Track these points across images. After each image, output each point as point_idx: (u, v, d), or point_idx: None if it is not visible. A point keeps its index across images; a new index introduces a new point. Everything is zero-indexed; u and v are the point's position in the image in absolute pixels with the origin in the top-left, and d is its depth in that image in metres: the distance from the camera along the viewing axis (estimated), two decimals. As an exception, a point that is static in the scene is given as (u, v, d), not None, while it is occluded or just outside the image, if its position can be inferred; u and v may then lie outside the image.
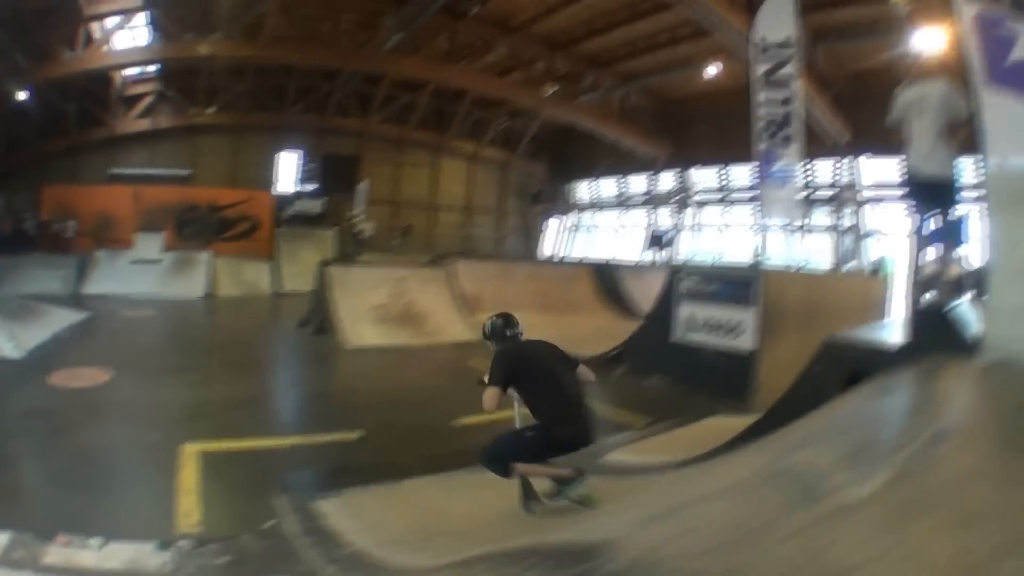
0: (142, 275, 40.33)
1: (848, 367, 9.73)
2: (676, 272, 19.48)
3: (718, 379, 17.10)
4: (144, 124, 44.89)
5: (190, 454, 12.54)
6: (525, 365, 9.49)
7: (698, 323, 18.74)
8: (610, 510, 8.18)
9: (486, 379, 8.96)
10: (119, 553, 8.80)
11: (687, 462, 9.78)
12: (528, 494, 9.15)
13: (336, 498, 9.66)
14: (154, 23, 37.15)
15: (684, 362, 18.28)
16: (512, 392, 9.24)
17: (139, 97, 44.55)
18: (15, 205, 43.43)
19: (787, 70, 22.38)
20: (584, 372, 9.86)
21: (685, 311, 18.92)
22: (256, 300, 38.83)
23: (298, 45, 39.19)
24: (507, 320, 10.37)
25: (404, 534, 8.50)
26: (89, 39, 36.04)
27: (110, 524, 9.64)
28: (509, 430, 9.43)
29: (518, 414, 9.47)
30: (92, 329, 27.83)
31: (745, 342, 17.73)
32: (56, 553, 8.71)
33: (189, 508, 10.28)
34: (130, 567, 8.53)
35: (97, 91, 42.12)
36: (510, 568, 5.89)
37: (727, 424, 12.46)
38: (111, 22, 36.45)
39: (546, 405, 9.06)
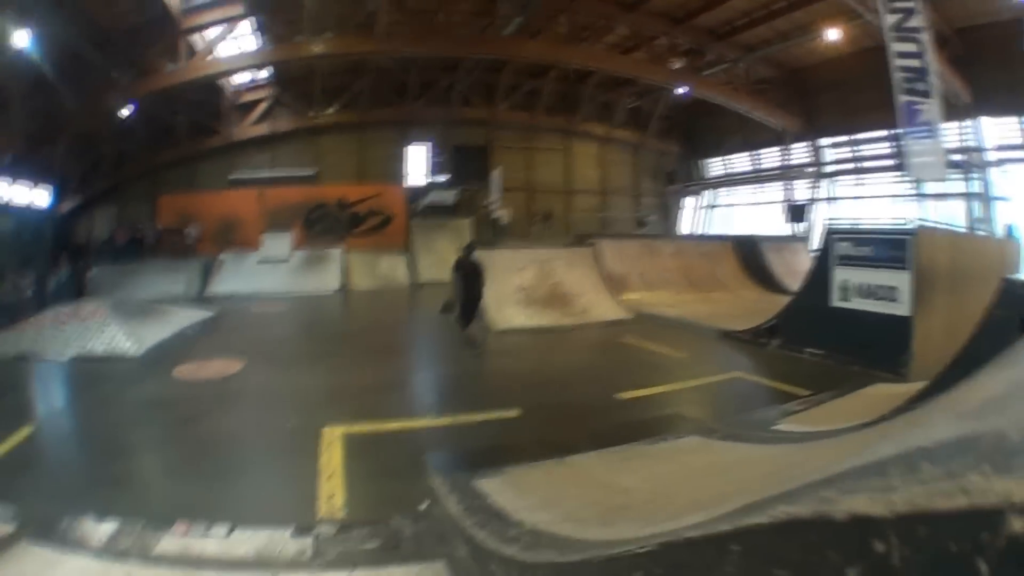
0: (271, 274, 40.71)
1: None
2: (831, 235, 18.06)
3: (873, 348, 16.14)
4: (262, 129, 45.36)
5: (333, 437, 11.73)
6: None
7: (852, 289, 17.51)
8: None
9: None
10: (248, 540, 7.83)
11: (871, 423, 8.18)
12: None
13: (498, 476, 8.23)
14: (261, 28, 37.02)
15: (838, 332, 17.28)
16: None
17: (254, 104, 45.14)
18: (128, 216, 44.84)
19: (914, 22, 21.68)
20: None
21: (839, 277, 17.69)
22: (393, 291, 38.65)
23: (414, 38, 38.48)
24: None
25: (581, 510, 6.96)
26: (192, 51, 36.05)
27: (241, 511, 8.79)
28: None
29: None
30: (219, 325, 27.78)
31: (901, 308, 16.45)
32: (172, 542, 7.84)
33: (332, 491, 9.39)
34: (261, 555, 7.53)
35: (207, 102, 42.82)
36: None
37: (890, 391, 11.84)
38: (213, 32, 36.36)
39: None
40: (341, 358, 19.74)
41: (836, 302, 17.56)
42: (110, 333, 22.55)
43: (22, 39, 25.35)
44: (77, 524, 8.26)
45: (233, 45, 37.07)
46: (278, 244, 42.38)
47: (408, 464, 10.01)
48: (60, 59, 31.96)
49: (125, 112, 36.75)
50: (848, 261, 17.48)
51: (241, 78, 42.32)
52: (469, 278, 19.57)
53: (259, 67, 40.92)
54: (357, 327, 26.70)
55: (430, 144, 46.23)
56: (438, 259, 41.01)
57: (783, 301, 22.23)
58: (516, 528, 6.52)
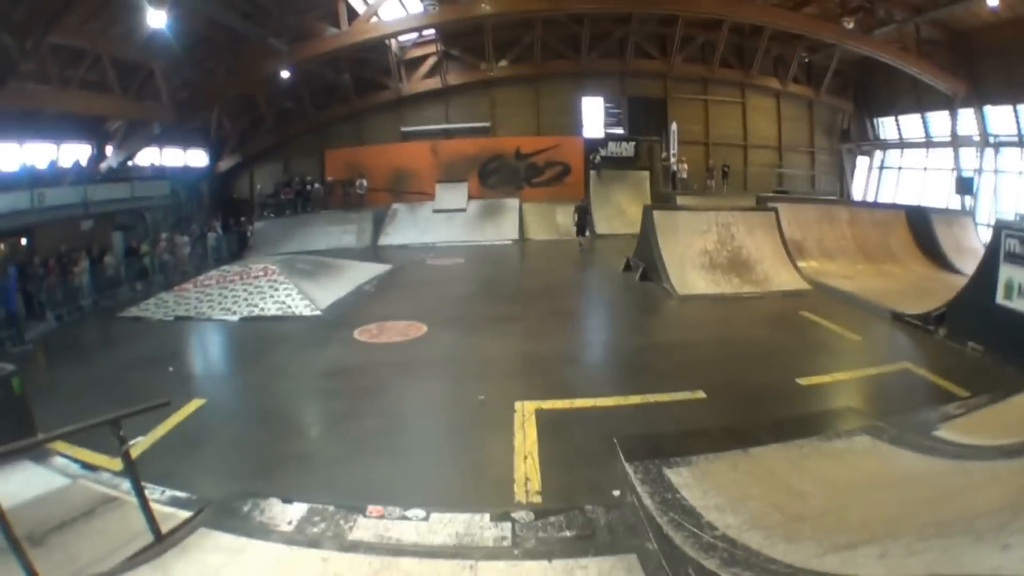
0: (446, 224, 41.11)
1: None
2: (1000, 229, 17.42)
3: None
4: (432, 83, 45.49)
5: (526, 414, 11.88)
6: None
7: (1017, 289, 16.26)
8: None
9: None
10: (448, 525, 8.06)
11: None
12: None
13: (685, 466, 8.59)
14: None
15: (999, 330, 16.12)
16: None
17: (422, 59, 45.21)
18: (293, 171, 45.93)
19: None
20: None
21: (1005, 274, 16.93)
22: (570, 244, 37.17)
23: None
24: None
25: (765, 516, 7.34)
26: (352, 13, 36.19)
27: (437, 494, 9.08)
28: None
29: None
30: (397, 280, 28.01)
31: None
32: (367, 527, 8.12)
33: (528, 474, 9.58)
34: (461, 543, 7.74)
35: (373, 60, 43.14)
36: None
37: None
38: (375, -5, 36.38)
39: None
40: (525, 321, 19.78)
41: (1000, 300, 16.53)
42: (283, 292, 23.00)
43: (164, 18, 25.95)
44: (262, 507, 8.65)
45: (396, 5, 37.27)
46: (454, 194, 42.76)
47: (599, 446, 10.14)
48: (209, 32, 33.47)
49: (285, 75, 37.62)
50: (1017, 260, 16.92)
51: (407, 35, 42.30)
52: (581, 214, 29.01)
53: (424, 29, 41.17)
54: (537, 285, 26.66)
55: (605, 96, 45.81)
56: (616, 211, 41.25)
57: (950, 279, 22.08)
58: (710, 532, 6.92)
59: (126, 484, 8.59)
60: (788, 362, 14.88)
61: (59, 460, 10.21)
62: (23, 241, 29.16)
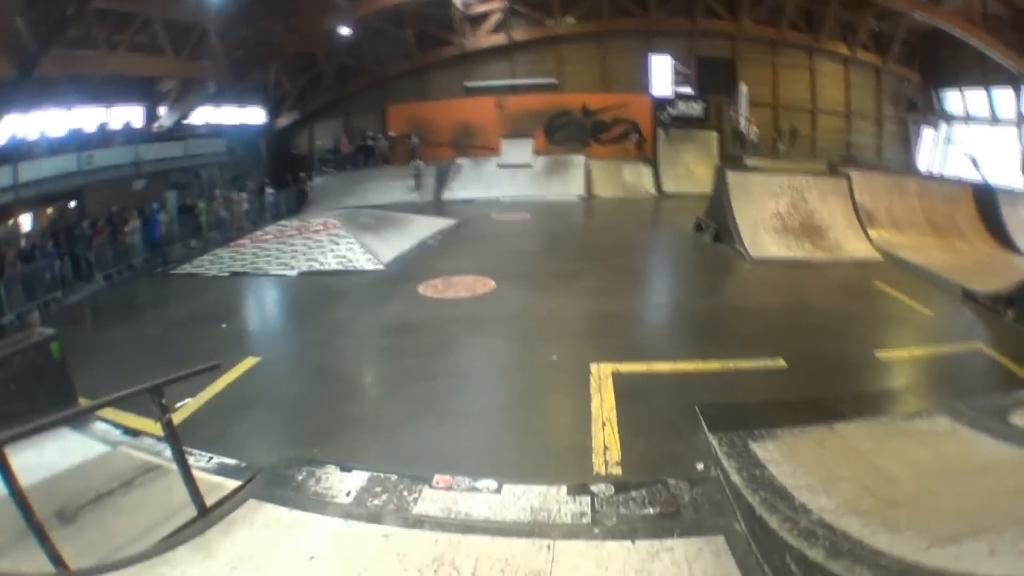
0: (511, 179, 40.75)
1: None
2: None
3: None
4: (498, 39, 44.81)
5: (602, 376, 11.50)
6: None
7: None
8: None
9: None
10: (521, 499, 7.63)
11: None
12: None
13: (771, 440, 8.16)
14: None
15: None
16: None
17: (486, 15, 44.48)
18: (354, 127, 45.82)
19: None
20: None
21: None
22: (637, 202, 37.71)
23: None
24: None
25: (859, 500, 6.88)
26: None
27: (509, 462, 8.74)
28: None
29: None
30: (462, 235, 27.67)
31: None
32: (433, 499, 7.70)
33: (607, 442, 9.21)
34: (536, 519, 7.28)
35: (436, 15, 42.66)
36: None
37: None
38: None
39: None
40: (596, 280, 19.40)
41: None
42: (344, 246, 22.77)
43: None
44: (317, 476, 8.27)
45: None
46: (519, 150, 42.35)
47: (681, 414, 9.79)
48: None
49: (345, 31, 37.68)
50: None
51: (471, -9, 41.85)
52: None
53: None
54: (606, 242, 26.20)
55: (673, 55, 44.51)
56: (684, 171, 40.96)
57: (1015, 260, 22.03)
58: (805, 516, 6.48)
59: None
60: (865, 334, 14.55)
61: (100, 426, 10.02)
62: (72, 204, 29.10)
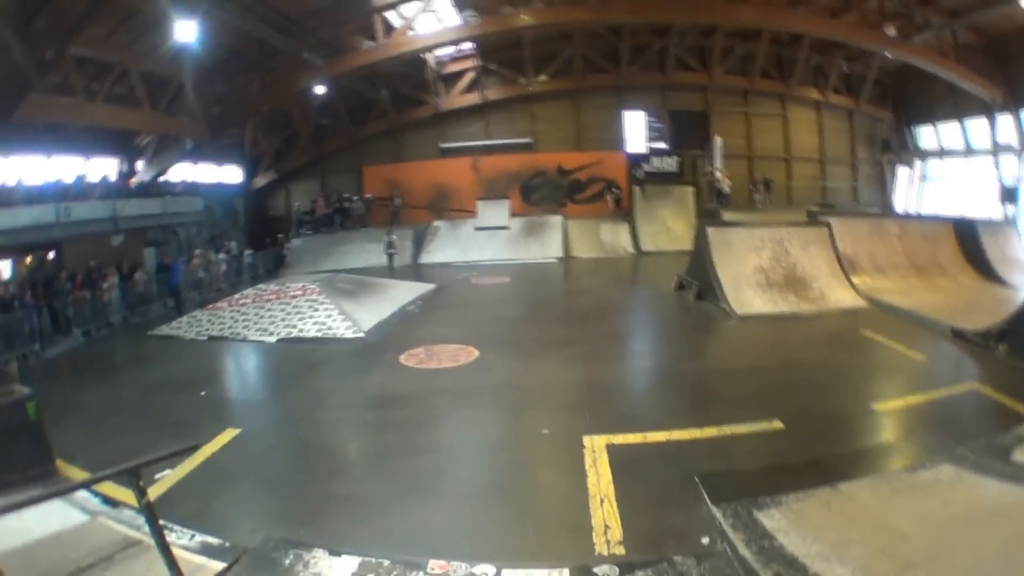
0: (488, 242, 41.05)
1: None
2: None
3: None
4: (471, 98, 45.83)
5: (596, 450, 11.24)
6: None
7: None
8: None
9: None
10: (523, 584, 7.24)
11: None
12: None
13: (776, 508, 8.07)
14: (459, 1, 36.41)
15: None
16: None
17: (460, 74, 45.64)
18: (330, 188, 46.71)
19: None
20: None
21: None
22: (616, 261, 38.27)
23: (628, 4, 37.92)
24: None
25: (874, 563, 6.85)
26: (388, 26, 36.27)
27: (507, 545, 8.37)
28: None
29: None
30: (442, 300, 27.59)
31: None
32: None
33: (607, 520, 8.88)
34: None
35: (410, 74, 43.64)
36: None
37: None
38: (411, 8, 36.00)
39: None
40: (581, 345, 19.10)
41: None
42: (324, 312, 22.69)
43: (193, 31, 25.92)
44: (305, 560, 7.94)
45: (433, 19, 36.88)
46: (496, 211, 42.72)
47: (680, 486, 9.63)
48: (241, 46, 34.02)
49: (321, 90, 38.12)
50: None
51: (444, 49, 42.53)
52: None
53: (463, 41, 41.03)
54: (588, 305, 25.92)
55: (646, 110, 45.81)
56: (662, 227, 41.52)
57: (999, 292, 22.53)
58: None
59: (151, 526, 8.01)
60: (859, 386, 14.45)
61: (79, 493, 9.54)
62: (50, 255, 29.29)
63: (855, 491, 8.60)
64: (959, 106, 42.62)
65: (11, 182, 27.46)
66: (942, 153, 46.31)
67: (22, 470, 9.48)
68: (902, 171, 49.54)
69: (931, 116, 46.40)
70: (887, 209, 45.93)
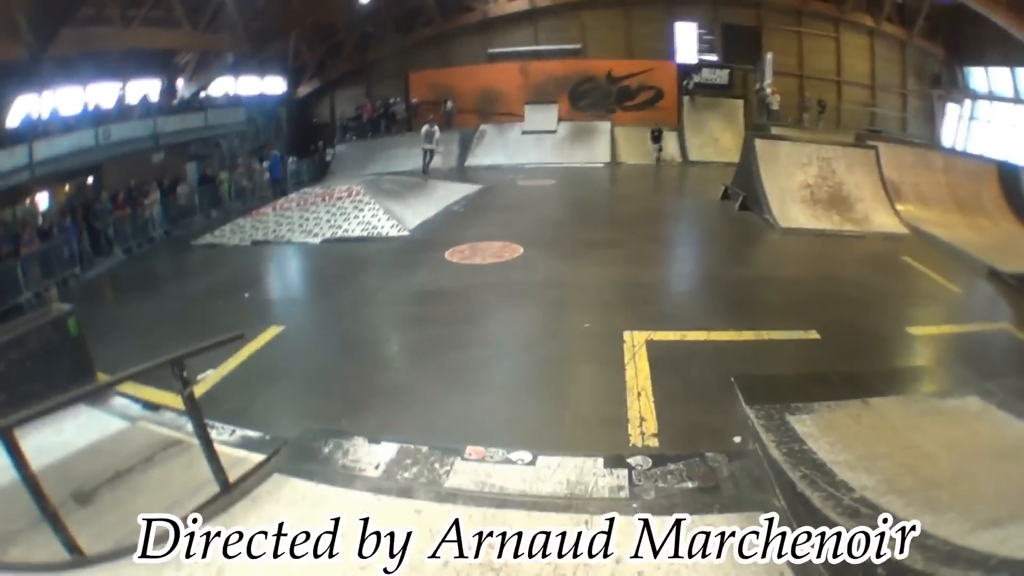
0: (535, 146, 40.65)
1: None
2: None
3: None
4: (521, 4, 44.91)
5: (636, 345, 11.41)
6: None
7: None
8: None
9: None
10: (557, 471, 7.46)
11: None
12: None
13: (808, 415, 8.19)
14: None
15: None
16: None
17: None
18: (376, 94, 46.03)
19: None
20: None
21: None
22: (664, 168, 37.72)
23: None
24: None
25: (898, 478, 6.94)
26: None
27: (543, 433, 8.59)
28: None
29: None
30: (487, 201, 27.59)
31: None
32: (466, 472, 7.52)
33: (643, 413, 9.10)
34: (573, 491, 7.14)
35: None
36: None
37: None
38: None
39: None
40: (624, 247, 19.21)
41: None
42: (369, 212, 22.66)
43: None
44: (345, 448, 8.08)
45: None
46: (543, 116, 42.14)
47: (716, 385, 9.74)
48: None
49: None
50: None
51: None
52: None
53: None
54: (633, 209, 26.07)
55: (698, 22, 44.75)
56: (709, 138, 40.82)
57: None
58: (847, 493, 6.51)
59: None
60: (896, 308, 14.49)
61: (119, 401, 9.77)
62: (89, 180, 29.13)
63: (885, 407, 8.72)
64: (1010, 54, 41.82)
65: (47, 115, 27.17)
66: (991, 96, 45.69)
67: (63, 387, 9.07)
68: (951, 108, 48.98)
69: (982, 59, 45.55)
70: (935, 143, 44.92)
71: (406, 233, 21.38)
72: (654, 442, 8.38)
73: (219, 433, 8.45)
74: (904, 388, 9.69)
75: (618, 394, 9.57)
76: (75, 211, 25.19)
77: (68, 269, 21.77)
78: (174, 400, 8.59)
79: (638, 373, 10.23)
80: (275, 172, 34.47)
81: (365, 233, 21.67)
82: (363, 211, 22.91)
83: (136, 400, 9.79)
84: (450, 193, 27.40)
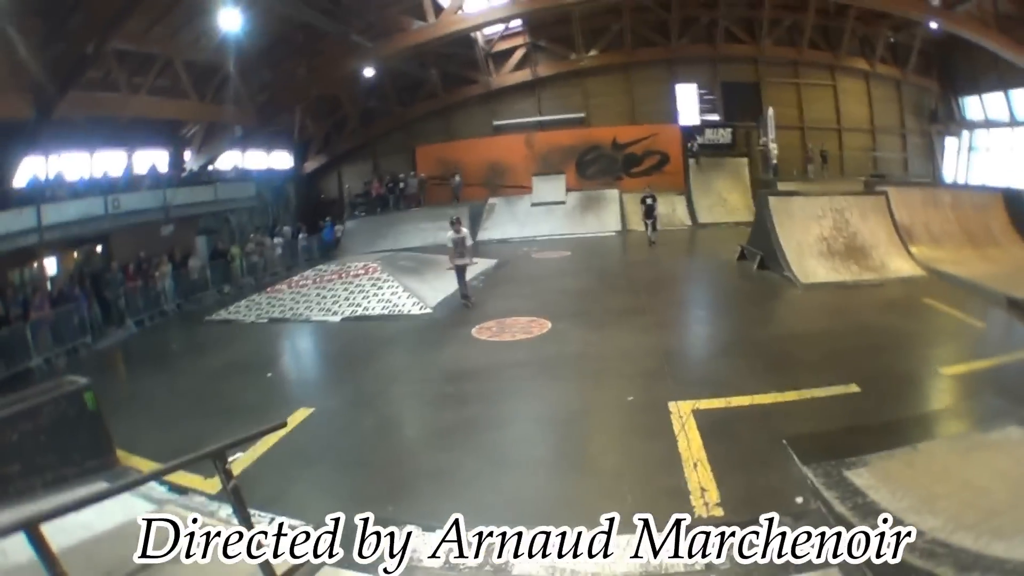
0: (545, 217, 41.05)
1: None
2: None
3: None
4: (522, 75, 45.77)
5: (683, 415, 11.41)
6: None
7: None
8: None
9: None
10: (627, 550, 7.43)
11: None
12: None
13: (863, 467, 8.46)
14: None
15: None
16: None
17: (510, 52, 45.58)
18: (382, 169, 46.87)
19: None
20: None
21: None
22: (674, 233, 37.77)
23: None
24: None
25: (962, 514, 7.16)
26: (438, 7, 36.05)
27: (604, 510, 8.25)
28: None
29: None
30: (507, 275, 27.88)
31: None
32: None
33: (703, 483, 9.11)
34: (648, 570, 7.17)
35: (459, 54, 43.54)
36: None
37: None
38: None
39: None
40: (651, 314, 19.32)
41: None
42: (388, 290, 22.78)
43: (238, 19, 26.49)
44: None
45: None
46: (552, 187, 42.63)
47: (768, 447, 9.85)
48: (287, 32, 34.01)
49: (369, 73, 38.19)
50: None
51: (493, 27, 42.38)
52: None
53: (512, 18, 40.95)
54: (652, 275, 26.43)
55: (698, 82, 45.67)
56: (717, 199, 41.26)
57: None
58: (919, 538, 6.78)
59: (225, 510, 8.05)
60: (926, 351, 14.74)
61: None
62: (98, 248, 29.33)
63: (934, 450, 9.02)
64: (1004, 77, 42.09)
65: (56, 177, 27.40)
66: (988, 123, 45.90)
67: (79, 463, 9.46)
68: (950, 142, 49.17)
69: (976, 87, 45.91)
70: (937, 180, 45.76)
71: (428, 311, 21.39)
72: (719, 511, 8.36)
73: (257, 521, 8.02)
74: (947, 428, 10.22)
75: (674, 466, 9.58)
76: (84, 279, 25.36)
77: (79, 338, 21.95)
78: (202, 483, 8.60)
79: (691, 443, 10.25)
80: (328, 235, 37.75)
81: (386, 311, 21.70)
82: (382, 288, 23.01)
83: (162, 482, 9.58)
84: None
